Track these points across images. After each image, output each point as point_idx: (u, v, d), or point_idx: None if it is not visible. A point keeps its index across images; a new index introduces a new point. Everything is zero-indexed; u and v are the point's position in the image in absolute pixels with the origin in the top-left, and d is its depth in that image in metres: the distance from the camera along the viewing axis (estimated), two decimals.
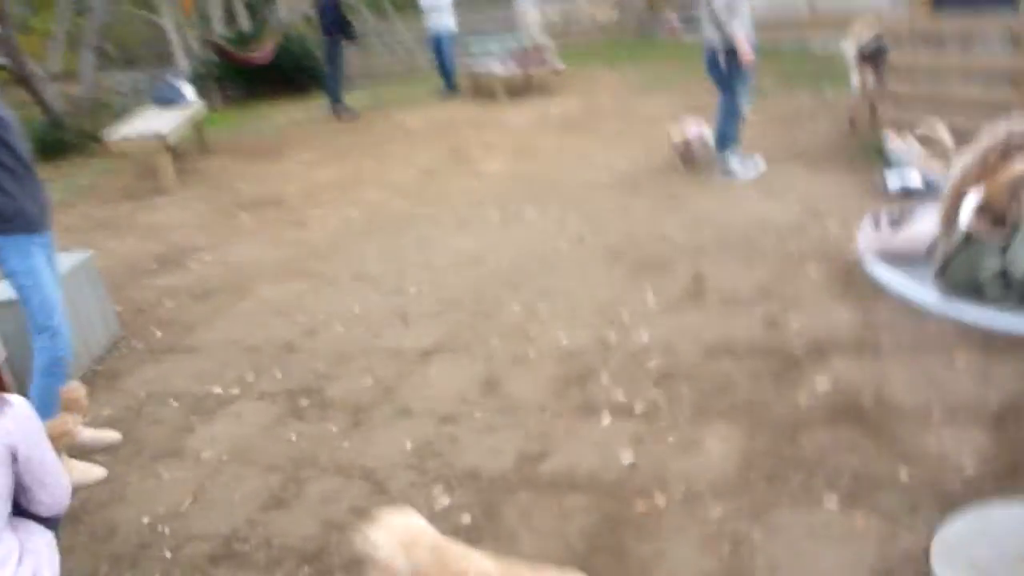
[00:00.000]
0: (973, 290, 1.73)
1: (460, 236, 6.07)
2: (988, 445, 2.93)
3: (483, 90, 11.90)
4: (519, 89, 11.81)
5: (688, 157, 6.99)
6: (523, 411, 3.58)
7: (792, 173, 6.46)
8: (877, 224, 2.06)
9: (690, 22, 17.71)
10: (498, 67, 11.74)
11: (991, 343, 3.52)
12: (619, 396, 3.60)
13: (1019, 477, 2.74)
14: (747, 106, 6.60)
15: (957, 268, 1.76)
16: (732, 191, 6.18)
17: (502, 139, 9.20)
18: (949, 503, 2.65)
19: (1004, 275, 1.69)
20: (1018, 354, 3.42)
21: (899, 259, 1.96)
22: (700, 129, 7.02)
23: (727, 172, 6.56)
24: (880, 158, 6.28)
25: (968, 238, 1.72)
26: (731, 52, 6.23)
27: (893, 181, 5.59)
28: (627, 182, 6.84)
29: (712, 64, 6.41)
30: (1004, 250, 1.69)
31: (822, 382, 3.48)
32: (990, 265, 1.67)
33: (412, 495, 3.09)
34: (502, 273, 5.20)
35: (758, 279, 4.55)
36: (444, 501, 3.05)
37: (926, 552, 2.45)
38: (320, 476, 3.31)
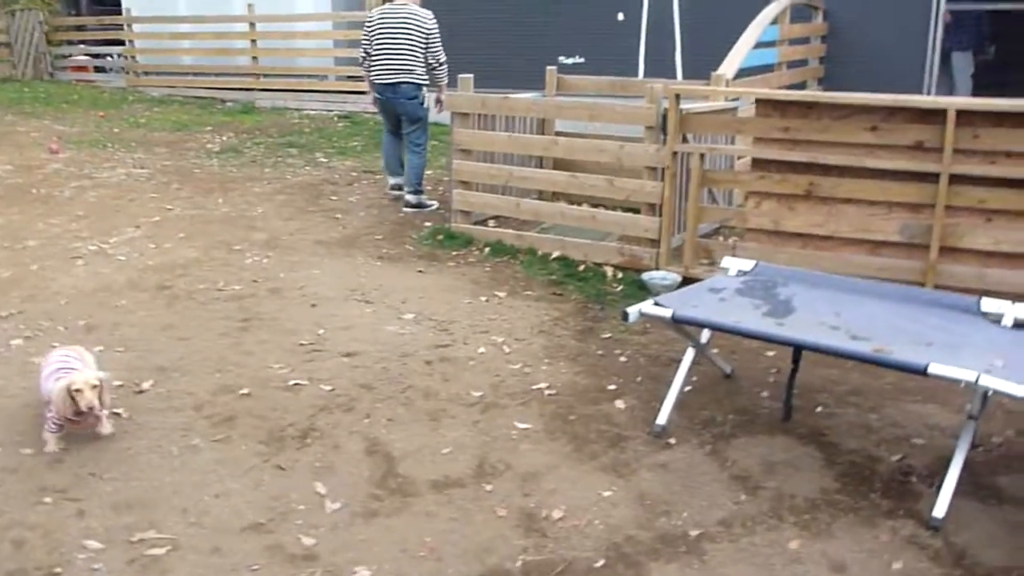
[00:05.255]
0: None
1: None
2: None
3: None
4: None
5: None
6: None
7: (373, 270, 5.33)
8: None
9: (102, 60, 15.36)
10: None
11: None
12: None
13: None
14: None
15: None
16: (326, 302, 4.78)
17: None
18: None
19: None
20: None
21: None
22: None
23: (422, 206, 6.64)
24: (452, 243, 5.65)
25: None
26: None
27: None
28: (155, 284, 4.96)
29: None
30: None
31: None
32: None
33: None
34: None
35: (457, 444, 3.33)
36: None
37: None
38: None
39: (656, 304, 3.26)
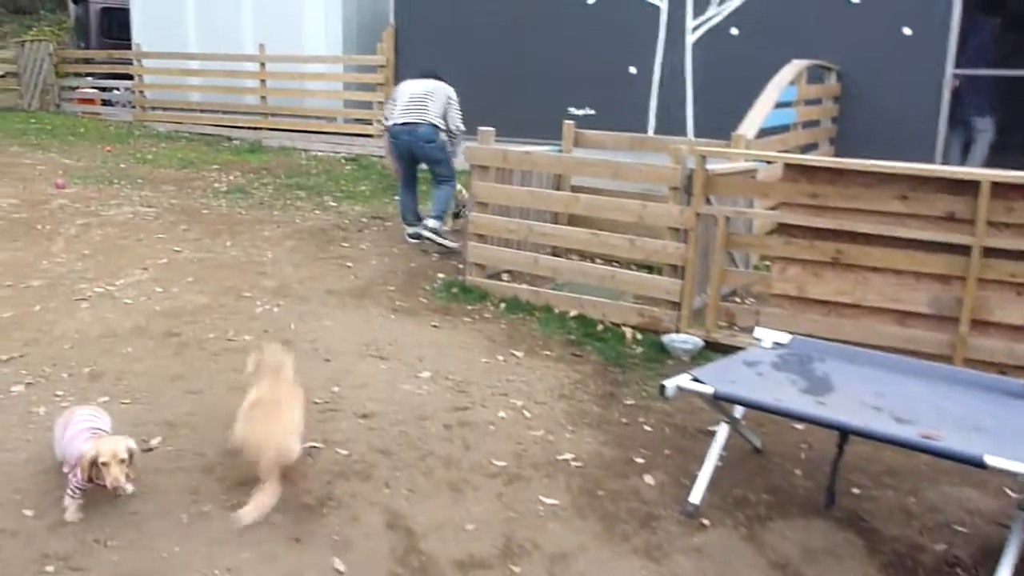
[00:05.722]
0: None
1: None
2: None
3: None
4: None
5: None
6: None
7: (387, 323, 5.20)
8: None
9: (109, 94, 15.34)
10: None
11: None
12: None
13: None
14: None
15: None
16: (339, 357, 4.64)
17: None
18: None
19: None
20: None
21: None
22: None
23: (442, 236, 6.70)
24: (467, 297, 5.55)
25: None
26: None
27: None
28: (163, 331, 4.82)
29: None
30: None
31: None
32: None
33: None
34: None
35: (482, 520, 3.18)
36: None
37: None
38: None
39: (695, 380, 3.13)
